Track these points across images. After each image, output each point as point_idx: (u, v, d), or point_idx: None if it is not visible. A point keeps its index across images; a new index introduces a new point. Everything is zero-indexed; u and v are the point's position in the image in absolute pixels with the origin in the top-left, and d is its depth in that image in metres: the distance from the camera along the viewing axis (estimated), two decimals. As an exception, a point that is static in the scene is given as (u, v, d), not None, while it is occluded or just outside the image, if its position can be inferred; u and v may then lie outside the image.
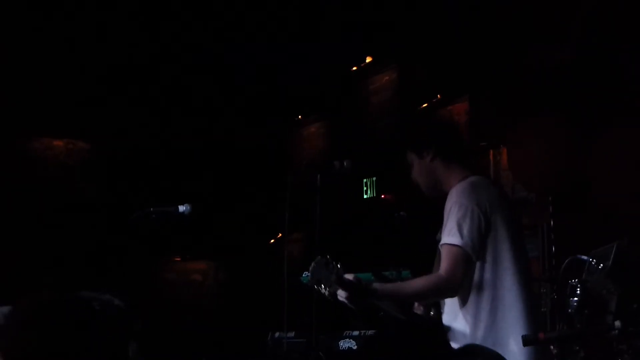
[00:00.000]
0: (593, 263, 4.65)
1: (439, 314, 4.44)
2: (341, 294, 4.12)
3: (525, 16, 7.55)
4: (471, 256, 4.19)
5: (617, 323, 3.32)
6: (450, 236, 4.19)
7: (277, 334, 5.99)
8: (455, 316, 4.32)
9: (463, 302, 4.27)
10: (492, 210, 4.27)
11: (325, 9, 8.82)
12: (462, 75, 8.36)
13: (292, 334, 6.31)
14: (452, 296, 4.28)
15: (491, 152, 8.33)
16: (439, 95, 8.73)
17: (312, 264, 4.05)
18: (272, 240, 9.68)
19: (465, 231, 4.18)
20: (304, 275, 4.91)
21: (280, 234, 9.55)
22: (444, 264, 4.18)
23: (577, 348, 4.65)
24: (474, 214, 4.22)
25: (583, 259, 4.77)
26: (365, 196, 8.59)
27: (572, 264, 4.86)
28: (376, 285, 4.27)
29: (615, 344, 4.40)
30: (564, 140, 7.24)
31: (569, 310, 4.68)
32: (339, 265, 4.03)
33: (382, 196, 8.13)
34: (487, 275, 4.24)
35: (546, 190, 7.47)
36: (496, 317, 4.23)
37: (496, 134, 8.22)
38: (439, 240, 4.27)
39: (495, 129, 8.18)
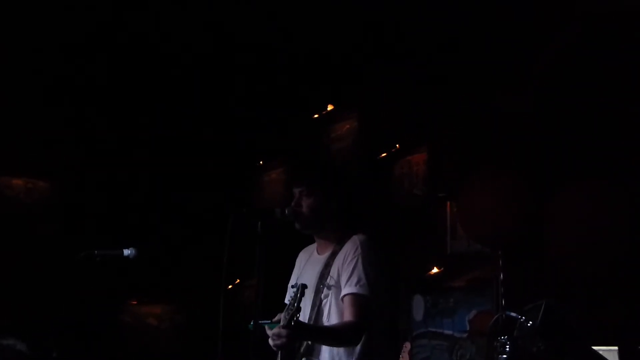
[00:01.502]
0: (522, 320, 4.67)
1: None
2: (282, 333, 4.14)
3: (485, 66, 7.60)
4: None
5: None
6: (359, 286, 4.35)
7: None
8: None
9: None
10: None
11: (290, 55, 8.85)
12: (421, 125, 8.39)
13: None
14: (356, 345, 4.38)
15: (448, 203, 8.33)
16: (397, 145, 8.74)
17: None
18: (229, 286, 9.62)
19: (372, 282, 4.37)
20: (251, 323, 4.93)
21: (238, 280, 9.50)
22: (356, 312, 4.28)
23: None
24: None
25: (512, 316, 4.79)
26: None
27: (501, 321, 4.88)
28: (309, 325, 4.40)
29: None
30: (517, 193, 7.25)
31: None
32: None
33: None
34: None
35: (497, 243, 7.47)
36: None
37: (455, 185, 8.23)
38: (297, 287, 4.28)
39: (454, 180, 8.19)
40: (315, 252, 4.71)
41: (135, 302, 9.73)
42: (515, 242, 7.14)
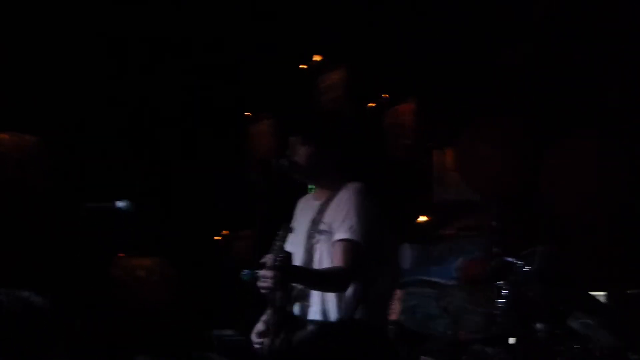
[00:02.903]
0: (519, 265, 4.71)
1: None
2: (267, 274, 4.21)
3: (478, 14, 7.60)
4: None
5: (542, 325, 3.37)
6: (351, 232, 4.37)
7: (217, 332, 6.01)
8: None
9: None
10: None
11: (275, 6, 8.81)
12: (410, 76, 8.40)
13: (231, 332, 6.33)
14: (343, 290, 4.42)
15: (436, 153, 8.38)
16: (386, 95, 8.76)
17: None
18: (218, 237, 9.67)
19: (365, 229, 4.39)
20: (243, 272, 4.94)
21: (227, 231, 9.53)
22: (346, 257, 4.34)
23: (507, 350, 4.71)
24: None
25: (509, 261, 4.82)
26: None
27: (500, 266, 4.91)
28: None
29: (547, 346, 4.46)
30: (514, 143, 7.30)
31: (496, 312, 4.74)
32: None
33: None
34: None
35: (492, 192, 7.53)
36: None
37: (443, 134, 8.28)
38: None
39: (442, 130, 8.23)
40: (312, 199, 4.74)
41: (123, 255, 9.74)
42: (512, 190, 7.20)
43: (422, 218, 8.26)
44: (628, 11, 6.59)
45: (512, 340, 4.86)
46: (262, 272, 4.24)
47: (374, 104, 8.85)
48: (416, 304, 8.08)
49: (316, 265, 4.50)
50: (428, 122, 8.34)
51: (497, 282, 4.73)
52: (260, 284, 4.24)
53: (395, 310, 7.28)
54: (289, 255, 4.30)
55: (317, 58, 9.49)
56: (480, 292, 7.45)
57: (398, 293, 7.48)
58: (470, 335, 4.63)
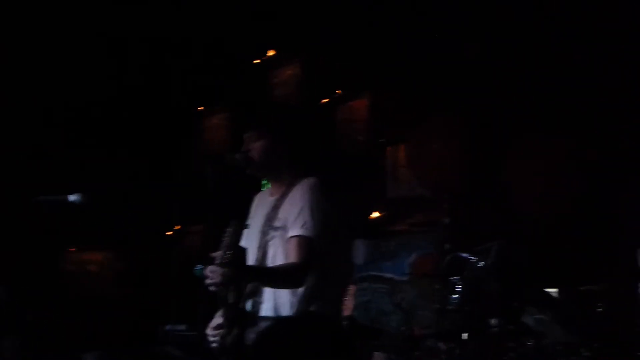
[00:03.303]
0: (474, 260, 4.72)
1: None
2: (216, 270, 4.19)
3: (433, 10, 7.62)
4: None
5: (494, 321, 3.38)
6: (305, 229, 4.36)
7: (168, 327, 5.98)
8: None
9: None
10: None
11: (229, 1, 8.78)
12: (364, 72, 8.41)
13: (183, 327, 6.29)
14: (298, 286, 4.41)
15: (389, 149, 8.40)
16: (339, 91, 8.76)
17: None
18: (169, 232, 9.61)
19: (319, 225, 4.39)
20: (196, 267, 4.93)
21: (179, 226, 9.48)
22: (301, 253, 4.34)
23: (460, 345, 4.72)
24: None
25: (464, 257, 4.84)
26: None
27: (454, 262, 4.93)
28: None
29: (499, 342, 4.49)
30: (464, 139, 7.33)
31: (449, 307, 4.75)
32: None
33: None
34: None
35: (443, 188, 7.56)
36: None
37: (396, 131, 8.29)
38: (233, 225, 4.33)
39: (396, 126, 8.25)
40: (267, 195, 4.72)
41: (74, 249, 9.68)
42: (462, 187, 7.23)
43: (375, 214, 8.26)
44: (585, 8, 6.65)
45: (465, 336, 4.87)
46: (209, 268, 4.21)
47: (327, 100, 8.84)
48: (369, 300, 8.10)
49: (270, 261, 4.49)
50: (382, 118, 8.35)
51: (452, 278, 4.74)
52: (208, 280, 4.22)
53: (348, 306, 7.30)
54: (241, 252, 4.29)
55: (270, 53, 9.47)
56: (432, 288, 7.48)
57: (351, 289, 7.49)
58: (423, 330, 4.65)
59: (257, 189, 5.03)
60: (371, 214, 8.27)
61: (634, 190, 6.18)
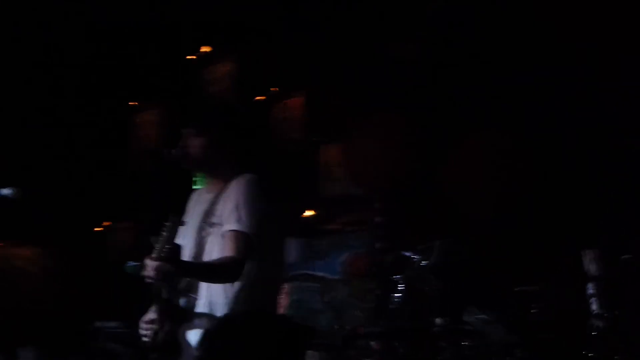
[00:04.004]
0: (416, 259, 4.73)
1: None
2: (153, 265, 4.16)
3: (369, 11, 7.63)
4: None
5: (439, 320, 3.39)
6: (241, 224, 4.35)
7: (99, 323, 5.93)
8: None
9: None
10: None
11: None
12: (300, 69, 8.40)
13: (114, 324, 6.23)
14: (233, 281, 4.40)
15: (324, 147, 8.40)
16: (275, 88, 8.74)
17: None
18: (99, 228, 9.51)
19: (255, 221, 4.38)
20: (128, 264, 4.90)
21: (108, 222, 9.39)
22: (235, 248, 4.33)
23: (397, 344, 4.73)
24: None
25: (406, 255, 4.85)
26: (194, 187, 8.53)
27: (397, 260, 4.93)
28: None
29: (436, 341, 4.50)
30: (399, 138, 7.36)
31: (391, 306, 4.75)
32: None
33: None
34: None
35: (376, 186, 7.58)
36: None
37: (331, 129, 8.29)
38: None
39: (330, 125, 8.25)
40: (204, 192, 4.71)
41: (2, 244, 9.50)
42: (396, 186, 7.26)
43: (309, 212, 8.26)
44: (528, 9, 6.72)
45: (404, 335, 4.88)
46: (147, 262, 4.18)
47: (262, 97, 8.81)
48: (301, 298, 8.10)
49: (207, 257, 4.47)
50: (317, 116, 8.34)
51: (394, 277, 4.75)
52: (145, 273, 4.19)
53: (282, 304, 7.28)
54: (176, 248, 4.27)
55: (205, 49, 9.41)
56: (363, 287, 7.51)
57: (286, 287, 7.48)
58: (363, 329, 4.65)
59: (190, 185, 5.01)
60: (304, 212, 8.26)
61: (576, 191, 6.25)
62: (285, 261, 5.01)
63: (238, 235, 4.35)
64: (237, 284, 4.39)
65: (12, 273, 9.37)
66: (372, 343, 5.32)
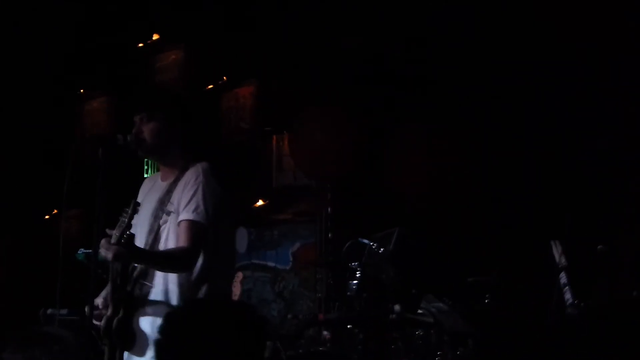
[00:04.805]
0: (374, 247, 4.74)
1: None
2: (108, 247, 4.15)
3: (322, 3, 7.64)
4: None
5: (397, 307, 3.40)
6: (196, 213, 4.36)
7: (49, 310, 5.86)
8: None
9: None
10: None
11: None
12: (250, 59, 8.37)
13: (65, 311, 6.15)
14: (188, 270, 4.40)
15: (274, 137, 8.39)
16: (225, 77, 8.70)
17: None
18: (47, 216, 9.42)
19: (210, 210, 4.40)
20: (79, 252, 4.86)
21: (56, 210, 9.30)
22: (191, 238, 4.33)
23: (356, 331, 4.73)
24: None
25: (364, 243, 4.85)
26: (145, 175, 8.48)
27: (353, 248, 4.94)
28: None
29: (392, 329, 4.51)
30: (348, 128, 7.37)
31: (348, 293, 4.76)
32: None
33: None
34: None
35: (326, 177, 7.59)
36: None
37: (281, 119, 8.29)
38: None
39: (281, 115, 8.24)
40: (159, 180, 4.68)
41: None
42: (344, 175, 7.28)
43: (259, 202, 8.25)
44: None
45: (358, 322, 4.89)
46: (103, 244, 4.16)
47: (212, 86, 8.77)
48: (251, 288, 8.10)
49: (162, 245, 4.46)
50: (267, 107, 8.33)
51: (350, 264, 4.75)
52: (102, 255, 4.17)
53: (235, 293, 7.27)
54: (132, 236, 4.25)
55: (154, 37, 9.34)
56: (313, 277, 7.52)
57: (240, 275, 7.48)
58: (322, 316, 4.65)
59: (139, 172, 4.99)
60: (255, 202, 8.25)
61: (537, 182, 6.30)
62: (234, 251, 5.02)
63: (194, 224, 4.35)
64: (191, 273, 4.38)
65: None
66: (325, 332, 5.32)
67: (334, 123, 7.57)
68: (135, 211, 4.25)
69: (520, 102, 6.50)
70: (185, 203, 4.40)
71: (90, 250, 4.57)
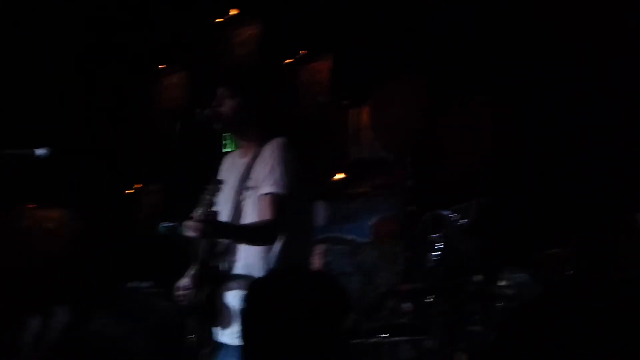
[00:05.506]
0: (454, 218, 4.73)
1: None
2: (194, 225, 4.22)
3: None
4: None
5: (477, 277, 3.39)
6: (277, 186, 4.42)
7: (132, 284, 5.97)
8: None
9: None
10: None
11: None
12: (326, 33, 8.37)
13: (148, 284, 6.26)
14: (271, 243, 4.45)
15: (351, 111, 8.39)
16: (302, 52, 8.72)
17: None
18: (130, 191, 9.56)
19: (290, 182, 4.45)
20: (161, 225, 4.94)
21: (139, 184, 9.43)
22: (273, 211, 4.39)
23: (436, 303, 4.72)
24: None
25: (444, 214, 4.84)
26: (224, 150, 8.55)
27: (433, 219, 4.93)
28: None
29: (472, 300, 4.50)
30: (425, 102, 7.35)
31: (428, 265, 4.76)
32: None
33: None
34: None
35: (406, 150, 7.58)
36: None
37: (358, 93, 8.28)
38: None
39: (358, 88, 8.24)
40: (238, 156, 4.73)
41: (33, 206, 9.57)
42: (423, 148, 7.27)
43: (338, 176, 8.27)
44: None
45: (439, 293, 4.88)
46: (189, 223, 4.23)
47: (290, 60, 8.79)
48: (330, 261, 8.11)
49: (245, 220, 4.52)
50: (345, 79, 8.33)
51: (430, 236, 4.75)
52: (187, 233, 4.25)
53: (316, 265, 7.30)
54: (216, 213, 4.32)
55: (233, 12, 9.39)
56: (393, 250, 7.52)
57: (320, 248, 7.51)
58: (403, 287, 4.65)
59: (219, 148, 5.04)
60: (334, 176, 8.27)
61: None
62: (313, 224, 5.06)
63: (274, 198, 4.41)
64: (273, 246, 4.43)
65: (41, 234, 9.44)
66: (405, 304, 5.33)
67: (414, 94, 7.55)
68: (218, 189, 4.32)
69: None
70: (265, 177, 4.45)
71: (172, 224, 4.65)
